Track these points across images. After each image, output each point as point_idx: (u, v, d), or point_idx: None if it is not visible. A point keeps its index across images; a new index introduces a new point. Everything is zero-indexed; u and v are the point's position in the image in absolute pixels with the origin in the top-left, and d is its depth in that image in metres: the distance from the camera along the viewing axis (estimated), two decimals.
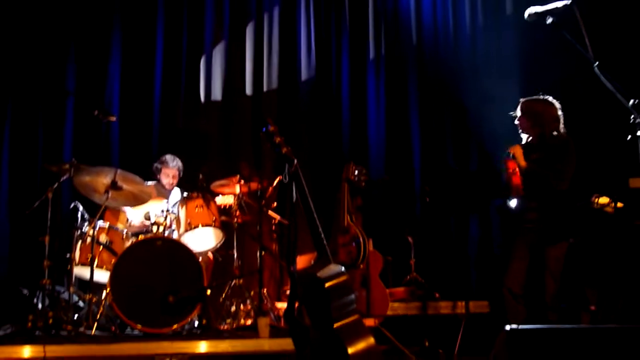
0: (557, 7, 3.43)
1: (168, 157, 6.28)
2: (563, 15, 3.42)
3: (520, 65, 7.42)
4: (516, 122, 5.01)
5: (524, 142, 4.99)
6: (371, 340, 3.36)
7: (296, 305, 3.45)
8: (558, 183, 4.77)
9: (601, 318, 5.25)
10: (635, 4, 6.72)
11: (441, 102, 7.81)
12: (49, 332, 4.81)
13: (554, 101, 4.92)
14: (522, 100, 5.00)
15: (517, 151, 4.84)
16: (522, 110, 4.96)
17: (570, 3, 3.37)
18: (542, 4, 3.49)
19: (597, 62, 3.14)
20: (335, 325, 3.29)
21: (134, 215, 6.01)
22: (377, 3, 8.02)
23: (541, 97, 4.96)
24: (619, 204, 5.31)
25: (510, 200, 4.89)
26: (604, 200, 5.46)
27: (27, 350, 4.35)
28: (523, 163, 4.79)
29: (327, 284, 3.35)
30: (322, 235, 3.54)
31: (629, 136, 3.08)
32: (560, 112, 4.90)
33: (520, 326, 2.45)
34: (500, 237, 7.11)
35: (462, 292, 5.99)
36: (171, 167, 6.26)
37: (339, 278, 3.41)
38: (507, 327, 2.42)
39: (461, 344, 5.38)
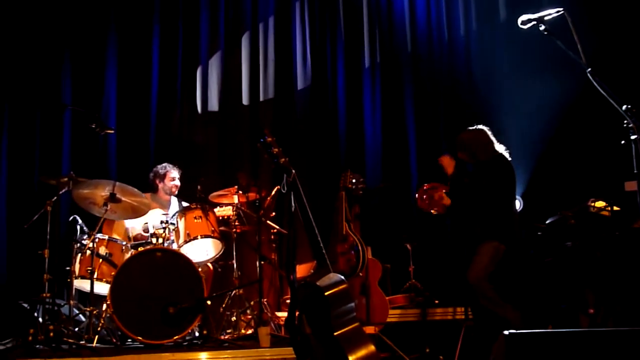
0: (549, 14, 3.47)
1: (167, 164, 6.36)
2: (556, 22, 3.46)
3: (515, 71, 7.45)
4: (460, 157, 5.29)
5: None
6: (371, 347, 3.38)
7: (297, 314, 3.47)
8: (486, 194, 4.98)
9: (600, 321, 5.27)
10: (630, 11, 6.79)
11: (437, 108, 7.85)
12: (50, 345, 4.80)
13: (483, 127, 5.21)
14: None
15: (445, 160, 5.13)
16: (457, 146, 5.26)
17: (563, 10, 3.41)
18: (534, 11, 3.52)
19: (590, 68, 3.16)
20: (336, 333, 3.31)
21: (134, 227, 6.03)
22: (371, 11, 8.07)
23: (470, 128, 5.25)
24: (615, 208, 5.35)
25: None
26: (600, 204, 5.50)
27: None
28: (450, 170, 5.10)
29: (326, 293, 3.37)
30: (321, 244, 3.56)
31: (623, 141, 3.11)
32: (490, 136, 5.17)
33: (519, 331, 2.46)
34: None
35: (462, 297, 6.00)
36: (175, 169, 6.35)
37: (339, 286, 3.43)
38: (506, 332, 2.44)
39: (461, 350, 5.40)
